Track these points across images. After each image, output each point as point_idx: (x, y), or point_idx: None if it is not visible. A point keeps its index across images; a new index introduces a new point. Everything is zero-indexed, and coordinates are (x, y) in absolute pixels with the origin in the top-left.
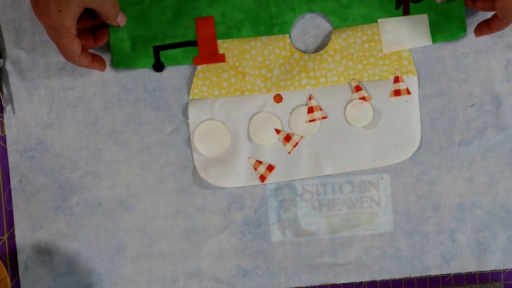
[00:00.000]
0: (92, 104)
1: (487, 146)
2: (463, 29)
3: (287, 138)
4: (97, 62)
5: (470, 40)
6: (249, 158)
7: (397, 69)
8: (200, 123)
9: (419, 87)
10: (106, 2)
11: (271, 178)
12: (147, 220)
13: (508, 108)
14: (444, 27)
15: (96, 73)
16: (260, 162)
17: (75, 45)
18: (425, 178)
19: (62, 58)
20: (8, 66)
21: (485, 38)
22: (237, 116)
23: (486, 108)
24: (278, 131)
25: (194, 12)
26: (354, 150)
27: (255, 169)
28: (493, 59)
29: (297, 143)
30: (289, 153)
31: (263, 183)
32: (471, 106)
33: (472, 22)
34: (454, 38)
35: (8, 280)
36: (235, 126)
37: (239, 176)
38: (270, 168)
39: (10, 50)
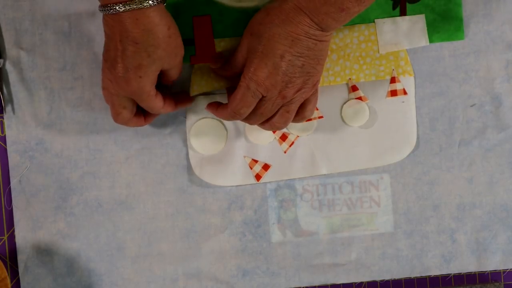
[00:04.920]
0: (92, 104)
1: (487, 146)
2: (460, 29)
3: (283, 137)
4: (182, 102)
5: (470, 40)
6: (245, 156)
7: (393, 70)
8: (197, 121)
9: (416, 87)
10: (178, 66)
11: (267, 177)
12: (147, 220)
13: (508, 108)
14: (441, 28)
15: (96, 73)
16: (256, 161)
17: (157, 102)
18: (425, 178)
19: (62, 58)
20: (8, 66)
21: (485, 38)
22: None
23: (486, 108)
24: (274, 131)
25: (191, 11)
26: (350, 150)
27: (251, 168)
28: (493, 59)
29: (293, 143)
30: (285, 152)
31: (259, 182)
32: (471, 106)
33: (471, 23)
34: (451, 39)
35: (8, 280)
36: (232, 125)
37: (234, 175)
38: (266, 167)
39: (10, 50)
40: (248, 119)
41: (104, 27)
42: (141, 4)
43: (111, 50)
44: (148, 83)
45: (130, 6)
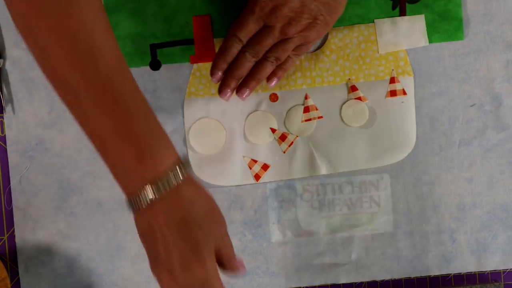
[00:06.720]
0: None
1: (487, 146)
2: (460, 30)
3: (283, 137)
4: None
5: (470, 40)
6: (244, 156)
7: (393, 70)
8: (196, 121)
9: (416, 87)
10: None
11: (266, 177)
12: None
13: (508, 108)
14: (441, 28)
15: None
16: (255, 161)
17: None
18: (425, 178)
19: None
20: (8, 66)
21: (485, 38)
22: (233, 115)
23: (486, 108)
24: (273, 130)
25: (191, 11)
26: (350, 150)
27: (250, 168)
28: (493, 59)
29: (292, 143)
30: (284, 152)
31: (258, 182)
32: (471, 106)
33: (471, 23)
34: (451, 39)
35: (8, 280)
36: (231, 125)
37: (233, 175)
38: (265, 167)
39: (10, 50)
40: (244, 51)
41: (142, 225)
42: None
43: (160, 248)
44: (214, 266)
45: (165, 184)
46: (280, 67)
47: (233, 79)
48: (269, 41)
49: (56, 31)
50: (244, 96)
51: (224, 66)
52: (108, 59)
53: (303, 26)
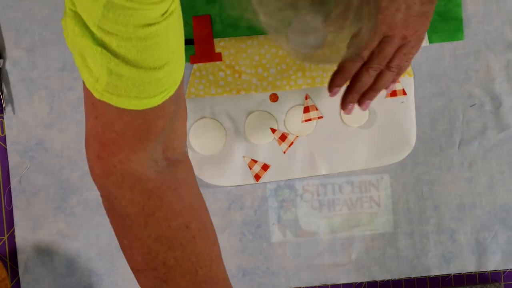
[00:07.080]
0: None
1: (487, 146)
2: (460, 30)
3: (283, 137)
4: None
5: (470, 40)
6: (244, 157)
7: None
8: (196, 121)
9: (416, 87)
10: None
11: (266, 177)
12: None
13: (508, 108)
14: (441, 28)
15: None
16: (255, 161)
17: None
18: (425, 178)
19: (62, 58)
20: (8, 66)
21: (485, 38)
22: (233, 115)
23: (486, 108)
24: (273, 130)
25: (191, 11)
26: (350, 150)
27: (250, 168)
28: (493, 59)
29: (292, 143)
30: (284, 152)
31: (258, 182)
32: (471, 106)
33: (471, 24)
34: (451, 39)
35: (8, 280)
36: (231, 125)
37: (233, 175)
38: (265, 167)
39: (10, 50)
40: (368, 67)
41: None
42: None
43: None
44: None
45: None
46: (397, 72)
47: (356, 94)
48: (391, 52)
49: (181, 263)
50: (367, 107)
51: (344, 83)
52: (221, 286)
53: (417, 26)
